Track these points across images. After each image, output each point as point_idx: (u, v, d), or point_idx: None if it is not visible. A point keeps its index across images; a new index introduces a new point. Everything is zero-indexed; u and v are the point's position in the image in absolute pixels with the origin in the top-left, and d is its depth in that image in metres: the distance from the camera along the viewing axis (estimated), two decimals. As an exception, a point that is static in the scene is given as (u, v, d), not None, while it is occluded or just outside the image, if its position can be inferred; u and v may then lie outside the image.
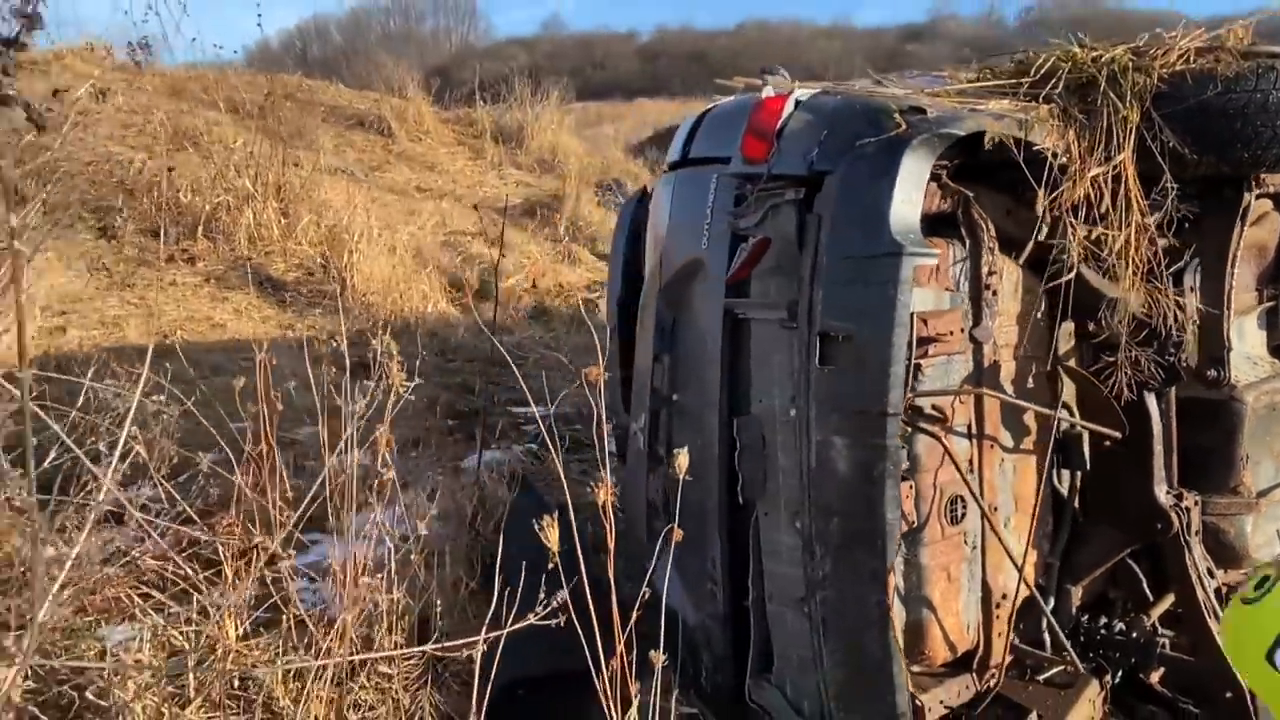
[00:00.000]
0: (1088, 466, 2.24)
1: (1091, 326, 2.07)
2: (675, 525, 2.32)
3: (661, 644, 2.25)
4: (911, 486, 1.95)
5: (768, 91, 1.93)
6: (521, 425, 4.31)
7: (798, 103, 1.94)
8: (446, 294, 6.28)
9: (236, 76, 9.35)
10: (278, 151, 6.91)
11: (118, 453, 1.79)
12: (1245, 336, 2.58)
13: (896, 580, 1.97)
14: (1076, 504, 2.34)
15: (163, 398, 2.36)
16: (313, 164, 7.33)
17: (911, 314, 1.72)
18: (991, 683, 2.05)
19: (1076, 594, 2.31)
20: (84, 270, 5.25)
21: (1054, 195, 1.84)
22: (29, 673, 2.00)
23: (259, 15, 12.41)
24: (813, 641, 1.82)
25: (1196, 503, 2.22)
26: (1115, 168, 1.84)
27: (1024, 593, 2.12)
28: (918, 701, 1.87)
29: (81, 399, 2.07)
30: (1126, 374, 1.96)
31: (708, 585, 2.19)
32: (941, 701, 1.97)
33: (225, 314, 5.27)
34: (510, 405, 4.50)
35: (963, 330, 1.96)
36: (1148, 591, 2.33)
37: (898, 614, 1.97)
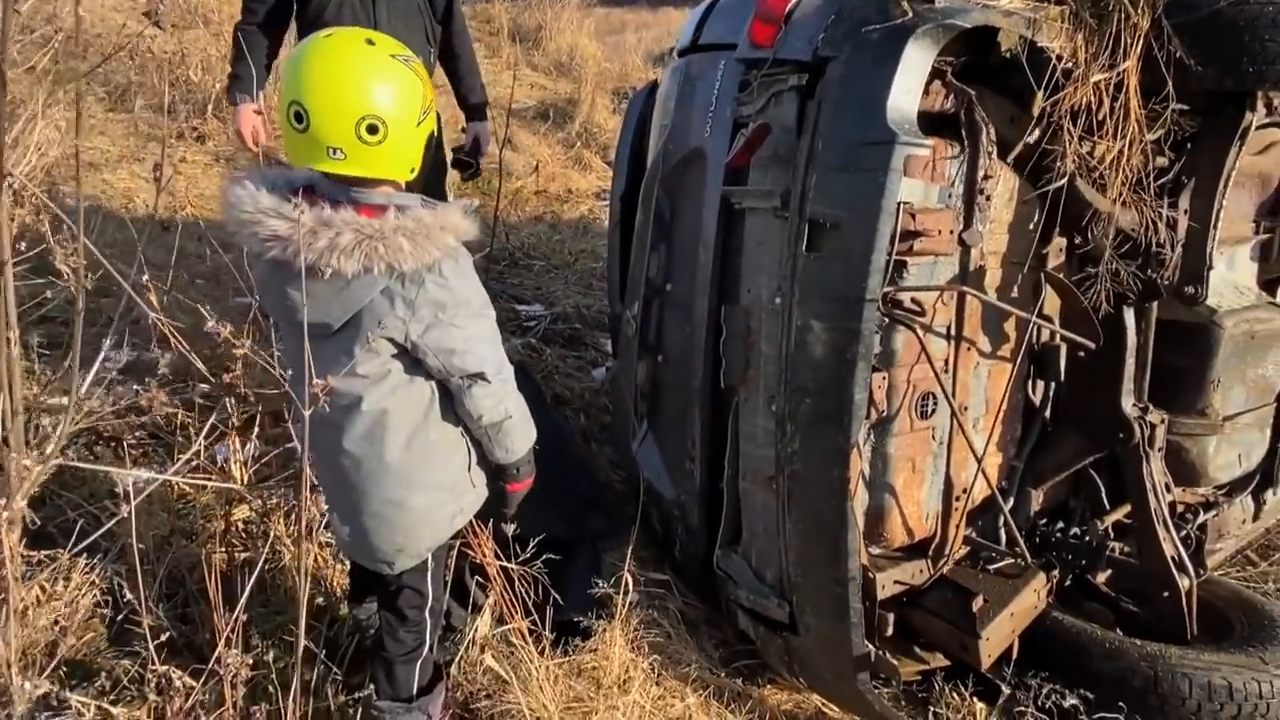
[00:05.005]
0: (1062, 378, 2.32)
1: (1078, 240, 2.11)
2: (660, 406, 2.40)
3: (638, 517, 2.39)
4: (885, 378, 2.03)
5: (779, -25, 1.91)
6: (523, 322, 4.39)
7: (808, -12, 1.92)
8: (456, 190, 6.26)
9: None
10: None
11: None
12: (1236, 266, 2.62)
13: (863, 465, 2.07)
14: (1047, 414, 2.43)
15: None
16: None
17: (899, 204, 1.75)
18: (945, 569, 2.18)
19: (1037, 497, 2.43)
20: (95, 142, 5.24)
21: (1054, 98, 1.85)
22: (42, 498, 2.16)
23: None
24: (778, 514, 1.93)
25: (1162, 420, 2.31)
26: (1119, 75, 1.84)
27: (984, 490, 2.22)
28: (870, 575, 2.00)
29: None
30: (1107, 286, 2.00)
31: (686, 464, 2.30)
32: (895, 580, 2.10)
33: (234, 193, 5.28)
34: (514, 302, 4.57)
35: (952, 232, 1.99)
36: (1105, 501, 2.44)
37: (861, 498, 2.08)
